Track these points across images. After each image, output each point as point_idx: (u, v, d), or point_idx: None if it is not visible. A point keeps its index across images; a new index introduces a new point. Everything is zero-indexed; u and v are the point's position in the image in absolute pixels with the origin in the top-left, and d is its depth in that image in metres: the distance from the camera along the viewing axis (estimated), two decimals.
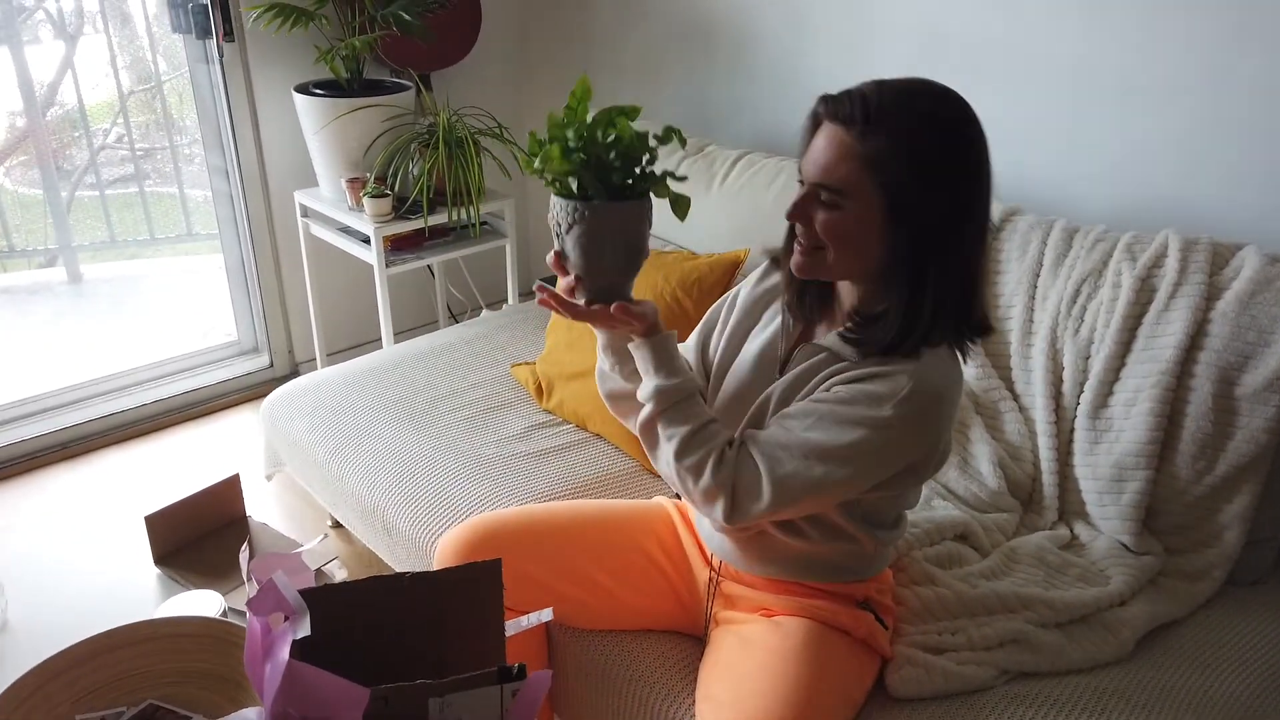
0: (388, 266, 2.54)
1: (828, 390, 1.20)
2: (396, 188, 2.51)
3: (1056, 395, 1.69)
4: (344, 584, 1.05)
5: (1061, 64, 1.93)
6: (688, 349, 1.45)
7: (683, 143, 1.19)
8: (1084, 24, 1.88)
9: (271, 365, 3.09)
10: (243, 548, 1.07)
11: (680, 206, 1.16)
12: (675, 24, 2.68)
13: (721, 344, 1.39)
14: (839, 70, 2.33)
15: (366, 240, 2.54)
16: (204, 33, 2.67)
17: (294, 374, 3.10)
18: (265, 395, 2.94)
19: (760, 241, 2.12)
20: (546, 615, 1.26)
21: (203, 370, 3.05)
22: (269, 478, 2.32)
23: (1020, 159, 2.04)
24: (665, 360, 1.24)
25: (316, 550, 1.29)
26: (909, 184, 1.10)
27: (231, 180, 2.87)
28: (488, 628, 1.13)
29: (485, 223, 2.81)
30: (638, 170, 1.12)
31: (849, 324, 1.22)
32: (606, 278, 1.15)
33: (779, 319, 1.33)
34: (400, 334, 3.17)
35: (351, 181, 2.54)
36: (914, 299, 1.15)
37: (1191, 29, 1.73)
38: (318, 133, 2.53)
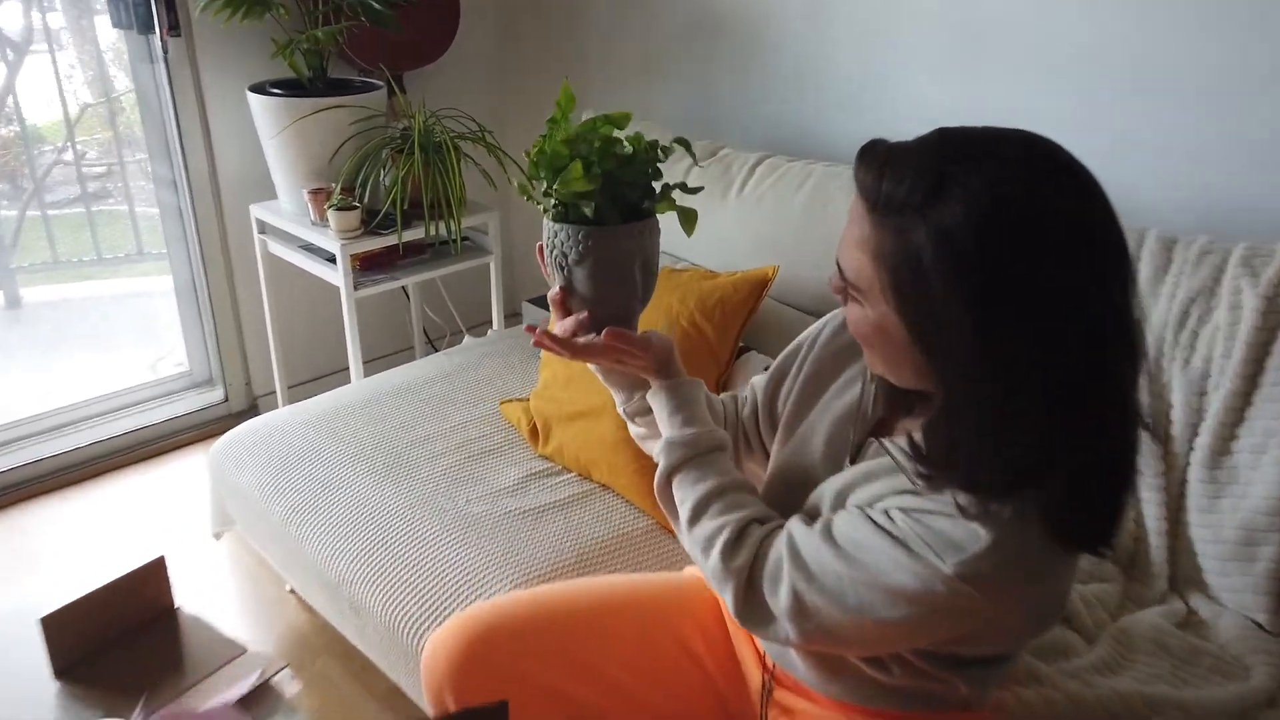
0: (356, 289, 2.22)
1: (889, 511, 0.87)
2: (366, 199, 2.21)
3: (1164, 439, 1.40)
4: None
5: (1112, 54, 1.66)
6: (758, 388, 1.17)
7: (693, 157, 1.12)
8: (1138, 6, 1.60)
9: (226, 400, 2.76)
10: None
11: (689, 221, 1.02)
12: (677, 16, 2.40)
13: (792, 397, 1.10)
14: (860, 64, 2.05)
15: (332, 259, 2.22)
16: (146, 27, 2.36)
17: (252, 410, 2.78)
18: (220, 434, 2.63)
19: (788, 256, 1.83)
20: None
21: (150, 406, 2.72)
22: (217, 536, 1.99)
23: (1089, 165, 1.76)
24: (681, 405, 1.04)
25: (257, 664, 0.99)
26: (933, 301, 0.77)
27: (180, 192, 2.55)
28: None
29: (467, 238, 2.50)
30: (656, 186, 1.01)
31: (916, 435, 0.87)
32: (624, 308, 1.02)
33: (860, 385, 1.02)
34: (371, 363, 2.86)
35: (314, 193, 2.22)
36: (972, 439, 0.81)
37: (1266, 15, 1.46)
38: (275, 137, 2.22)
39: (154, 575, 1.25)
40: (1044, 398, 0.76)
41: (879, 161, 0.81)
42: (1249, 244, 1.42)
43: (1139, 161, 1.69)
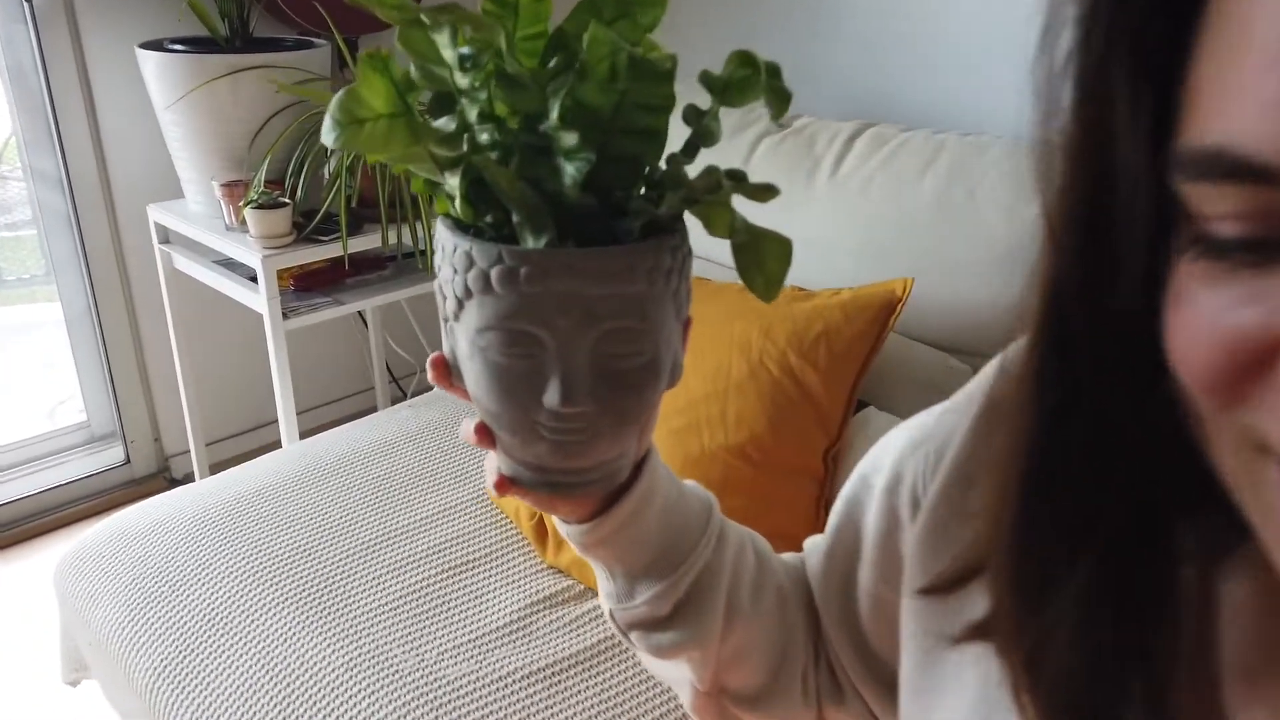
0: (287, 317, 1.61)
1: None
2: (300, 196, 1.60)
3: None
4: None
5: None
6: (816, 576, 0.58)
7: (780, 101, 0.41)
8: None
9: (128, 461, 2.12)
10: None
11: (766, 265, 0.41)
12: None
13: (913, 660, 0.48)
14: (984, 13, 1.48)
15: (254, 276, 1.62)
16: None
17: (163, 472, 2.15)
18: (121, 505, 1.98)
19: (916, 265, 1.23)
20: None
21: (40, 467, 2.09)
22: (73, 684, 1.37)
23: None
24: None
25: None
26: None
27: (65, 191, 1.93)
28: None
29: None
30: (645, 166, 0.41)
31: None
32: (557, 447, 0.43)
33: None
34: (317, 410, 2.24)
35: (229, 186, 1.62)
36: None
37: None
38: (171, 107, 1.61)
39: None
40: None
41: None
42: None
43: None
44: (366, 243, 1.67)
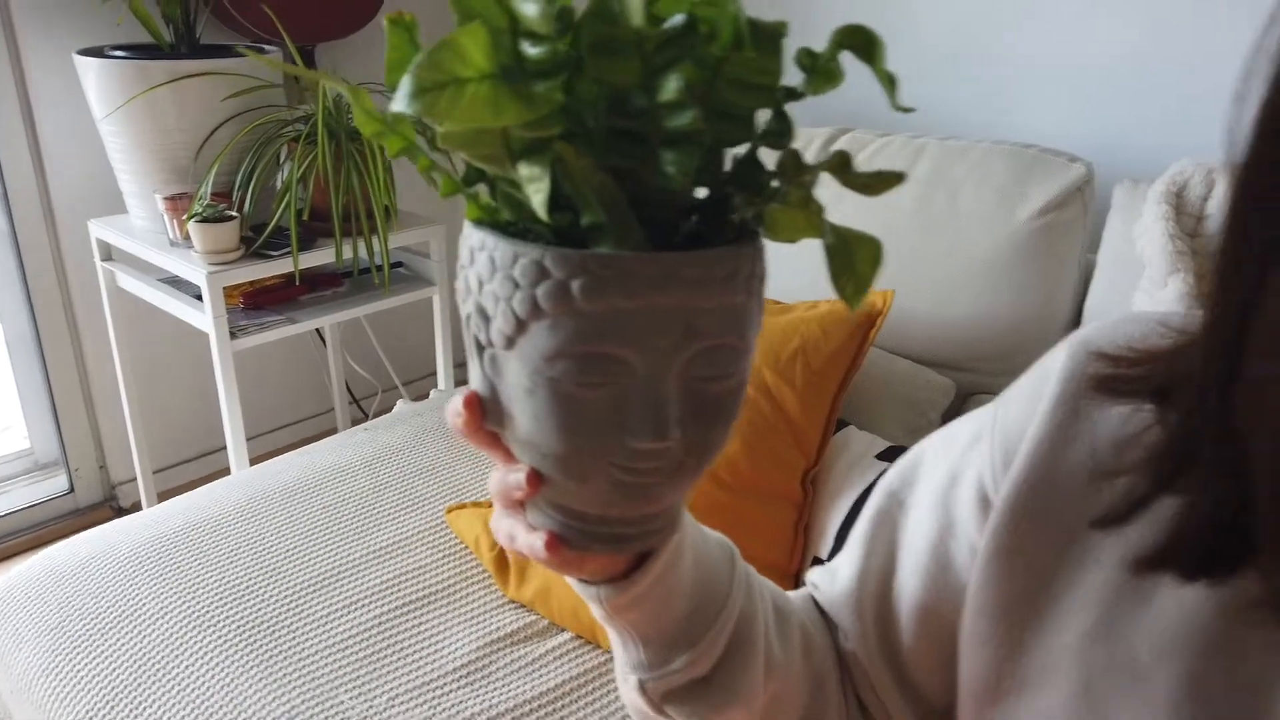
0: (235, 336, 1.53)
1: None
2: (250, 208, 1.52)
3: None
4: None
5: None
6: (838, 608, 0.55)
7: (890, 83, 0.34)
8: None
9: (71, 490, 2.02)
10: None
11: (858, 266, 0.34)
12: None
13: (996, 671, 0.46)
14: (963, 12, 1.44)
15: (200, 295, 1.53)
16: None
17: (109, 500, 2.05)
18: (67, 534, 1.88)
19: (896, 276, 1.18)
20: None
21: None
22: None
23: None
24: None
25: None
26: None
27: (3, 209, 1.84)
28: None
29: (400, 263, 1.82)
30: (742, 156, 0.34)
31: None
32: (627, 489, 0.35)
33: (1196, 603, 0.40)
34: (272, 435, 2.15)
35: (173, 199, 1.53)
36: None
37: None
38: (110, 117, 1.53)
39: None
40: None
41: None
42: None
43: None
44: (319, 258, 1.59)
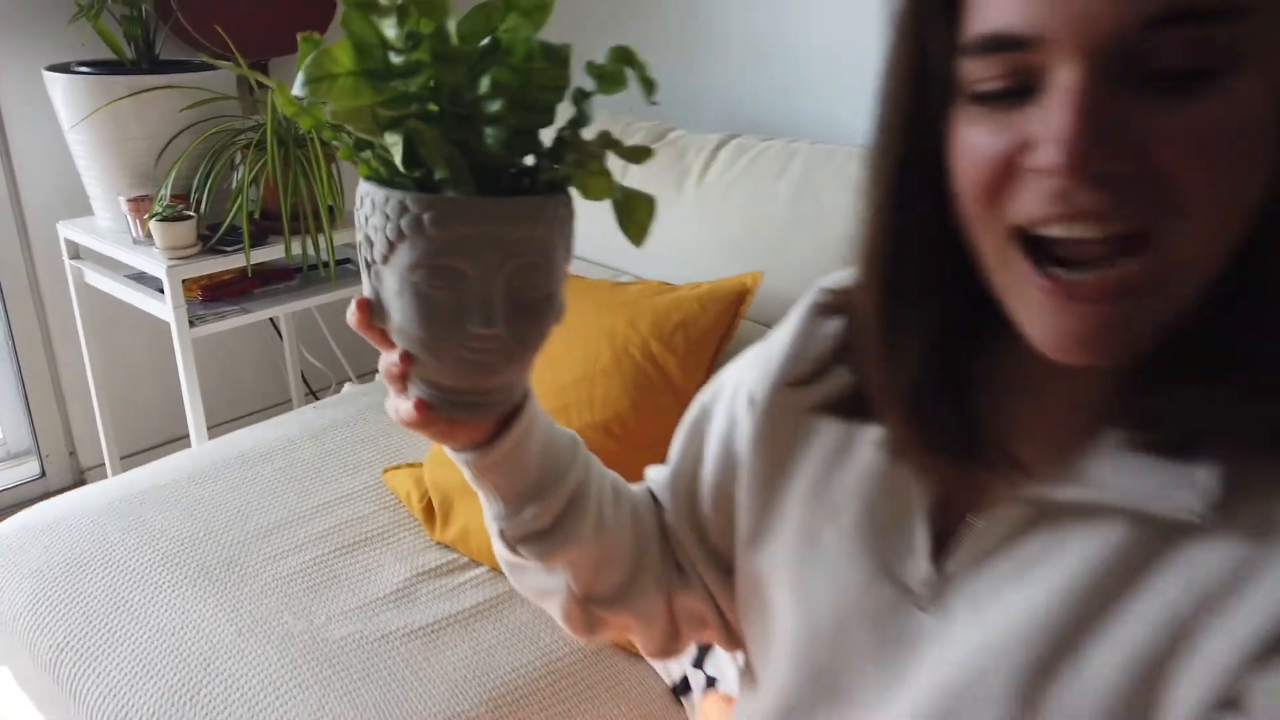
0: (193, 324, 1.69)
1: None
2: (206, 208, 1.69)
3: None
4: None
5: None
6: (663, 497, 0.71)
7: (649, 86, 0.50)
8: None
9: (43, 475, 2.16)
10: None
11: (636, 216, 0.52)
12: None
13: (747, 502, 0.65)
14: (838, 36, 1.63)
15: (162, 289, 1.69)
16: None
17: (79, 485, 2.19)
18: None
19: (770, 260, 1.37)
20: None
21: None
22: None
23: None
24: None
25: None
26: None
27: None
28: None
29: (347, 259, 1.99)
30: (544, 134, 0.50)
31: (1142, 409, 0.46)
32: (470, 365, 0.51)
33: (870, 443, 0.58)
34: (233, 423, 2.30)
35: (135, 201, 1.69)
36: None
37: None
38: (76, 126, 1.69)
39: None
40: None
41: None
42: None
43: None
44: (270, 254, 1.75)
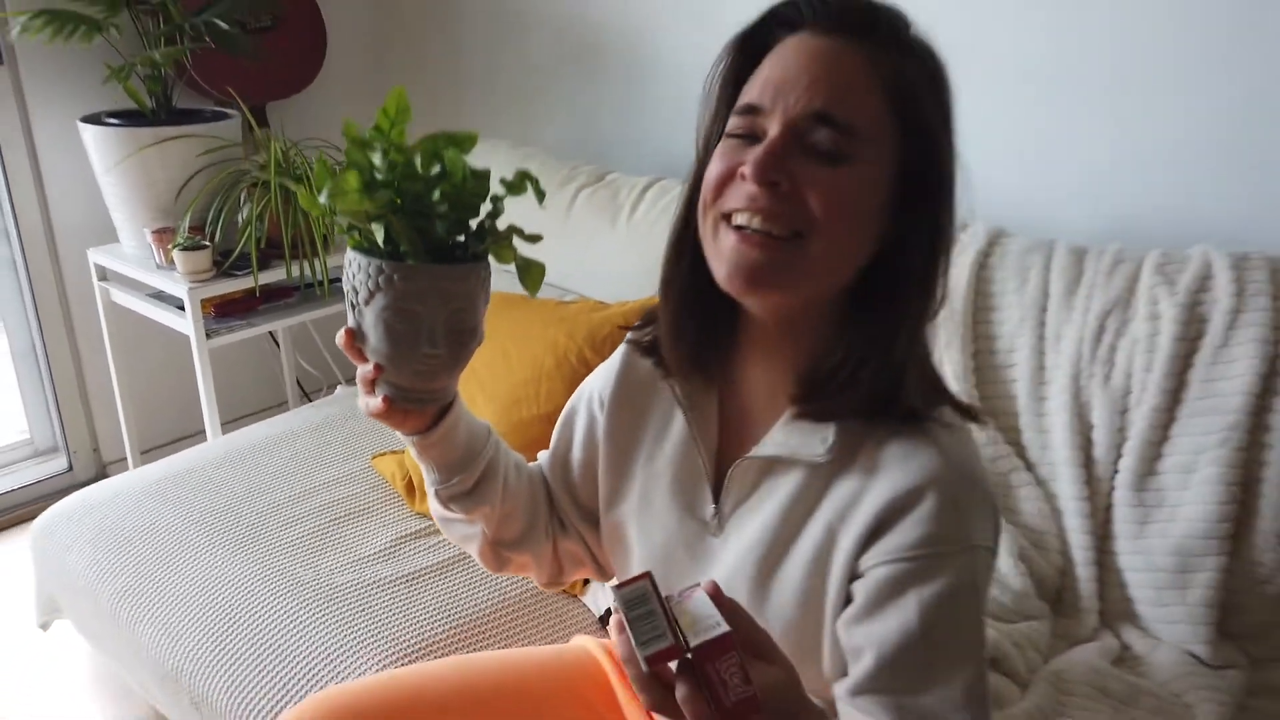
0: (210, 337, 2.00)
1: (875, 577, 0.75)
2: (219, 238, 2.00)
3: (1086, 463, 1.31)
4: None
5: (1030, 66, 1.60)
6: (548, 474, 1.01)
7: (540, 195, 0.78)
8: (1053, 20, 1.55)
9: (71, 469, 2.47)
10: None
11: (531, 277, 0.79)
12: (560, 44, 2.27)
13: (606, 472, 0.94)
14: None
15: (183, 306, 2.00)
16: None
17: (102, 477, 2.49)
18: None
19: None
20: None
21: None
22: (44, 627, 1.73)
23: (989, 176, 1.69)
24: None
25: None
26: (937, 139, 0.75)
27: (11, 241, 2.28)
28: None
29: (338, 279, 2.30)
30: (472, 224, 0.78)
31: (801, 396, 0.79)
32: (420, 374, 0.78)
33: (678, 426, 0.88)
34: (238, 422, 2.61)
35: (159, 233, 2.00)
36: (901, 327, 0.76)
37: (1182, 19, 1.42)
38: (110, 171, 1.99)
39: None
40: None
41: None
42: (1162, 250, 1.35)
43: (1052, 169, 1.62)
44: (274, 275, 2.06)
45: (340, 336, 0.78)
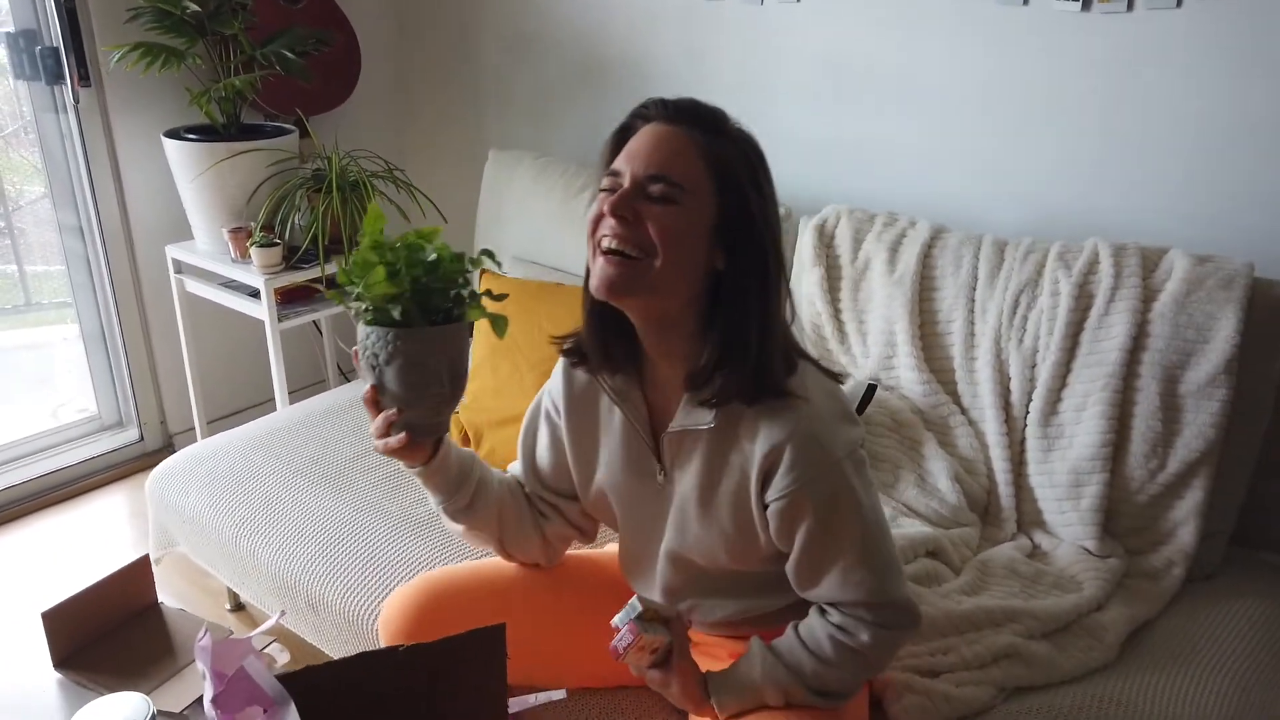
0: (280, 321, 2.34)
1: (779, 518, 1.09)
2: (286, 237, 2.34)
3: (1005, 406, 1.69)
4: (329, 664, 0.90)
5: (967, 89, 1.98)
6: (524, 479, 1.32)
7: (498, 264, 1.14)
8: (986, 48, 1.93)
9: (141, 439, 2.80)
10: (200, 636, 0.91)
11: (498, 327, 1.08)
12: (568, 62, 2.63)
13: (576, 465, 1.26)
14: (741, 104, 2.32)
15: (252, 294, 2.34)
16: (55, 78, 2.43)
17: (168, 447, 2.83)
18: (136, 472, 2.68)
19: None
20: (559, 695, 1.13)
21: (59, 451, 2.73)
22: (157, 561, 2.07)
23: (935, 184, 2.07)
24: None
25: (268, 631, 1.12)
26: (746, 194, 1.05)
27: (88, 239, 2.61)
28: (490, 702, 1.00)
29: None
30: (453, 293, 1.07)
31: (693, 383, 1.10)
32: (432, 409, 1.07)
33: (618, 416, 1.19)
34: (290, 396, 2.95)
35: (234, 232, 2.34)
36: (742, 326, 1.06)
37: (1089, 49, 1.80)
38: (193, 181, 2.33)
39: (138, 573, 1.36)
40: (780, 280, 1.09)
41: (670, 102, 1.08)
42: (1063, 242, 1.73)
43: (983, 179, 2.01)
44: (331, 269, 2.40)
45: (365, 394, 1.08)
